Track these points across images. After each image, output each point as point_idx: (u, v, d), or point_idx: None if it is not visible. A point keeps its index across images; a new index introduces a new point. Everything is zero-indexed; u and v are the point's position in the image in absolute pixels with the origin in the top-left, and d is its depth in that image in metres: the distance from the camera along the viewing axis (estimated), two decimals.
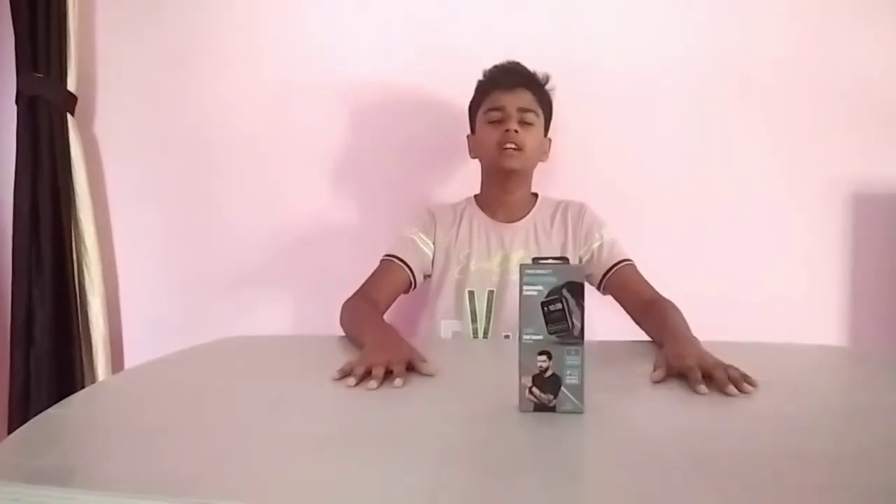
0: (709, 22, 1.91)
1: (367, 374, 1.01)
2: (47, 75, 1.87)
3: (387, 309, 1.50)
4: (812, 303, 1.96)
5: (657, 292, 1.47)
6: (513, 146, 1.48)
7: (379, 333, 1.22)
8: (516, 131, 1.48)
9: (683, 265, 1.88)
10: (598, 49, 1.91)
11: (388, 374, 1.01)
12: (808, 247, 1.95)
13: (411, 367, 1.05)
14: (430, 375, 1.05)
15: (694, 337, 1.19)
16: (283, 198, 2.03)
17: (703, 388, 0.94)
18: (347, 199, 2.01)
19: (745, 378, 0.97)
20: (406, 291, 1.57)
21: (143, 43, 2.01)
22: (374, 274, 1.53)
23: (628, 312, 1.48)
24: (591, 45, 1.92)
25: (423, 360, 1.08)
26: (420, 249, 1.57)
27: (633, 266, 1.53)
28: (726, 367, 0.99)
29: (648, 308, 1.41)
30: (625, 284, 1.51)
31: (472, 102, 1.63)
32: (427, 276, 1.62)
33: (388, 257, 1.55)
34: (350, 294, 1.47)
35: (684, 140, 1.93)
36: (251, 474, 0.67)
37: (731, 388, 0.93)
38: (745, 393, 0.94)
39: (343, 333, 1.39)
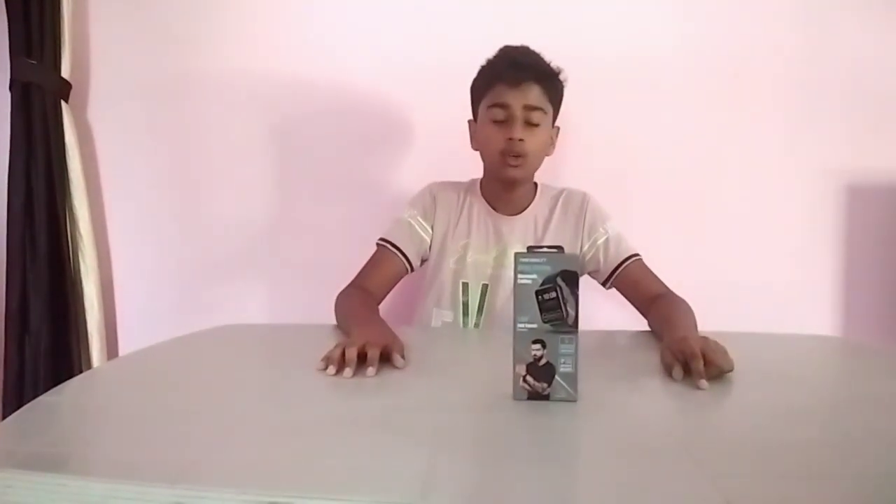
0: (705, 14, 1.91)
1: (343, 357, 1.00)
2: (41, 62, 1.86)
3: (383, 298, 1.48)
4: (805, 293, 1.97)
5: (666, 287, 1.43)
6: (516, 156, 1.40)
7: (362, 321, 1.22)
8: (521, 140, 1.38)
9: (677, 256, 1.87)
10: (595, 40, 1.91)
11: (363, 360, 1.00)
12: (801, 237, 1.95)
13: (387, 355, 1.04)
14: (399, 368, 1.02)
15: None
16: (278, 185, 2.03)
17: (704, 382, 0.93)
18: (341, 188, 2.00)
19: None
20: (404, 276, 1.54)
21: (137, 30, 1.99)
22: (368, 263, 1.50)
23: (636, 308, 1.45)
24: (589, 35, 1.91)
25: (401, 352, 1.05)
26: (417, 234, 1.53)
27: (640, 262, 1.49)
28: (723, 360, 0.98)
29: (655, 303, 1.38)
30: (633, 282, 1.46)
31: (474, 86, 1.50)
32: (425, 261, 1.58)
33: (382, 242, 1.51)
34: (344, 283, 1.46)
35: (678, 131, 1.93)
36: (244, 461, 0.67)
37: (704, 383, 0.93)
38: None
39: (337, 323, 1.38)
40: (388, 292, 1.50)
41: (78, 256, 1.96)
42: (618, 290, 1.51)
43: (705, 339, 1.03)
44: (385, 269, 1.49)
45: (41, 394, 0.87)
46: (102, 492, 0.59)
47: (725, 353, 0.99)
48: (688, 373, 0.97)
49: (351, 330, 1.18)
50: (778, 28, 1.90)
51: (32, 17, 1.84)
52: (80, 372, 1.89)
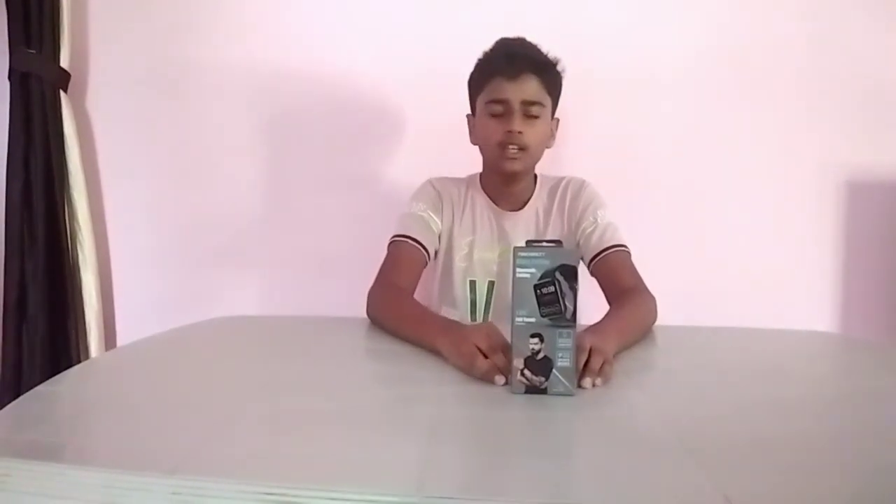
0: (705, 11, 1.90)
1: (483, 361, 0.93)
2: (40, 52, 1.86)
3: (413, 293, 1.42)
4: (803, 289, 1.97)
5: (641, 283, 1.37)
6: (515, 148, 1.38)
7: (441, 322, 1.15)
8: (520, 132, 1.36)
9: (677, 252, 1.88)
10: (596, 38, 1.91)
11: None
12: (800, 233, 1.95)
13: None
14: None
15: (622, 330, 1.11)
16: (275, 177, 2.03)
17: (587, 381, 0.88)
18: (339, 181, 2.00)
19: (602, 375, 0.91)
20: (424, 268, 1.49)
21: (136, 20, 1.99)
22: (390, 260, 1.44)
23: (606, 299, 1.39)
24: (590, 33, 1.91)
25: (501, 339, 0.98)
26: (429, 227, 1.48)
27: (623, 253, 1.43)
28: (603, 361, 0.93)
29: (619, 296, 1.33)
30: (610, 271, 1.41)
31: (472, 80, 1.47)
32: (437, 253, 1.54)
33: (399, 238, 1.45)
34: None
35: (679, 128, 1.93)
36: (241, 451, 0.67)
37: (587, 381, 0.88)
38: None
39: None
40: (416, 286, 1.45)
41: (76, 246, 1.95)
42: (596, 278, 1.45)
43: (603, 342, 0.96)
44: (410, 262, 1.43)
45: (39, 383, 0.87)
46: (100, 481, 0.60)
47: (599, 374, 0.91)
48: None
49: (429, 342, 1.08)
50: (778, 24, 1.90)
51: (32, 7, 1.83)
52: (79, 362, 1.89)
